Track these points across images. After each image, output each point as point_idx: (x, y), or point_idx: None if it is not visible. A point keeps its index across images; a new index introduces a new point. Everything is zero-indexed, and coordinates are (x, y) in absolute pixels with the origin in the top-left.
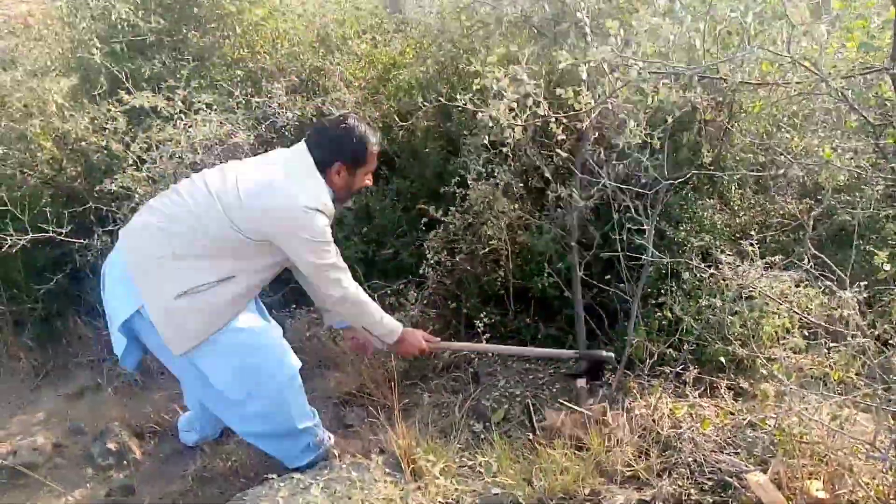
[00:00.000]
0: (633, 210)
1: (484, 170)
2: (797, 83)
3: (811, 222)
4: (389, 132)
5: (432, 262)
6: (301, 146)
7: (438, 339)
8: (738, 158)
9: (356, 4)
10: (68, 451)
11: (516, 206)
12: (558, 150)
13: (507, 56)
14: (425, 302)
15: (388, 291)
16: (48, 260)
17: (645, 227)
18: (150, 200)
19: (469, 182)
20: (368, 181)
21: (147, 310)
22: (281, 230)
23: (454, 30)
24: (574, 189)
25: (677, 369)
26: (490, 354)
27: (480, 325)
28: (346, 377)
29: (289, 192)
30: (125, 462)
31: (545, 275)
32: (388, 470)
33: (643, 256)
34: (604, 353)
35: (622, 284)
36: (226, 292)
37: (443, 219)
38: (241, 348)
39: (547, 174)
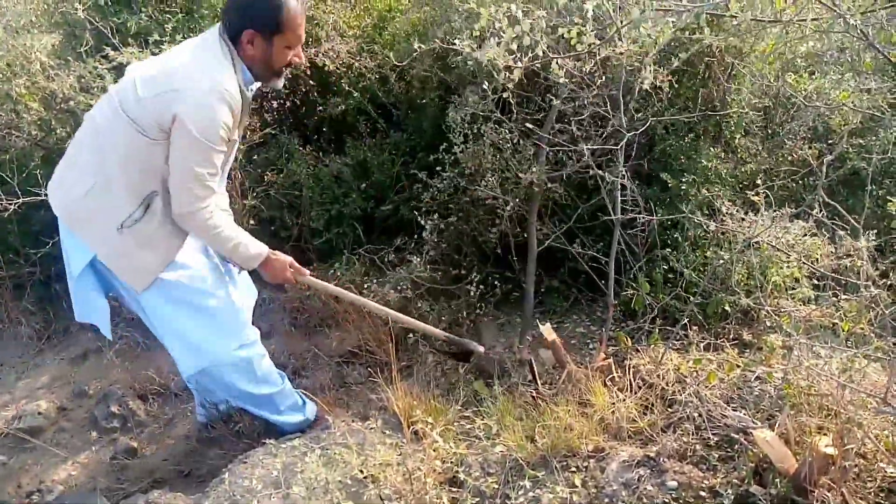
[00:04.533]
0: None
1: (470, 131)
2: (813, 20)
3: (824, 168)
4: (386, 83)
5: (428, 227)
6: (214, 28)
7: (308, 271)
8: (743, 103)
9: None
10: (73, 415)
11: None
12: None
13: None
14: (428, 263)
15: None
16: (44, 223)
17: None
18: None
19: (457, 146)
20: (298, 57)
21: (98, 256)
22: (171, 114)
23: None
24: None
25: (682, 322)
26: None
27: (476, 282)
28: (347, 335)
29: (183, 74)
30: (129, 425)
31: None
32: (388, 431)
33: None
34: (474, 344)
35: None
36: (158, 213)
37: (432, 183)
38: (189, 306)
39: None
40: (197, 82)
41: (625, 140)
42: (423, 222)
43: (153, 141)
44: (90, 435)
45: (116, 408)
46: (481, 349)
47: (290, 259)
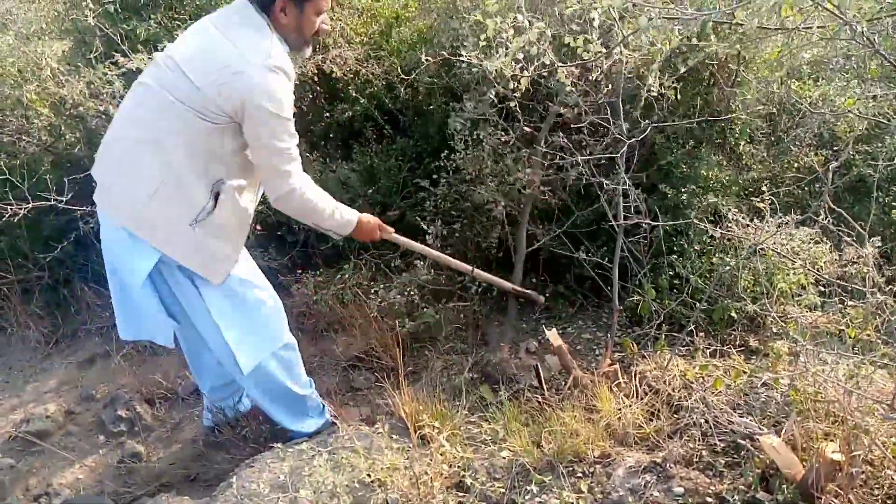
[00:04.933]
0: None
1: (470, 137)
2: (819, 27)
3: (830, 175)
4: (393, 90)
5: (431, 233)
6: (239, 2)
7: (392, 229)
8: (748, 110)
9: None
10: (80, 419)
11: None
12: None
13: (510, 4)
14: (433, 268)
15: (395, 254)
16: (53, 228)
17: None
18: (101, 148)
19: (457, 151)
20: (326, 24)
21: (169, 255)
22: (239, 98)
23: None
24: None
25: (688, 328)
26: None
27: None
28: (353, 340)
29: (240, 55)
30: (136, 429)
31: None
32: (395, 436)
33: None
34: (536, 295)
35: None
36: (226, 202)
37: (433, 190)
38: (246, 301)
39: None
40: (258, 61)
41: (625, 147)
42: (426, 228)
43: (215, 125)
44: (97, 439)
45: (124, 412)
46: (541, 299)
47: (377, 220)
